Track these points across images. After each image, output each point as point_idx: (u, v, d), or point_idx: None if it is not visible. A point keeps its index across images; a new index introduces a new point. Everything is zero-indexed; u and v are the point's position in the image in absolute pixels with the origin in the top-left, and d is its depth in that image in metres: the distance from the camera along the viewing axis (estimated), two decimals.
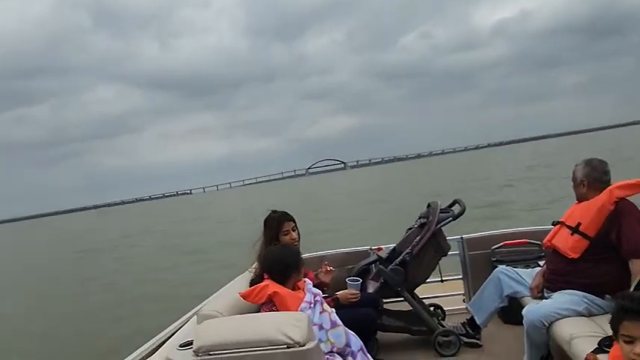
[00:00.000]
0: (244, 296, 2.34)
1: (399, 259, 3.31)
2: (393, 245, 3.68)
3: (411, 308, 3.35)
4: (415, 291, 3.54)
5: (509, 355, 3.06)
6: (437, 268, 3.47)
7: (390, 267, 3.32)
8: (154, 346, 2.24)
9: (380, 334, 3.47)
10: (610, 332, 2.29)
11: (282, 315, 2.02)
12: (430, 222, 3.30)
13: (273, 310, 2.28)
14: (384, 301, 3.80)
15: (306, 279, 2.52)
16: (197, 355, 1.92)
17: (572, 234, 2.68)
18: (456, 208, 3.39)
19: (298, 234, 2.99)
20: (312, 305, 2.36)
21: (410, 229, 3.54)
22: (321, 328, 2.36)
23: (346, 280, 3.05)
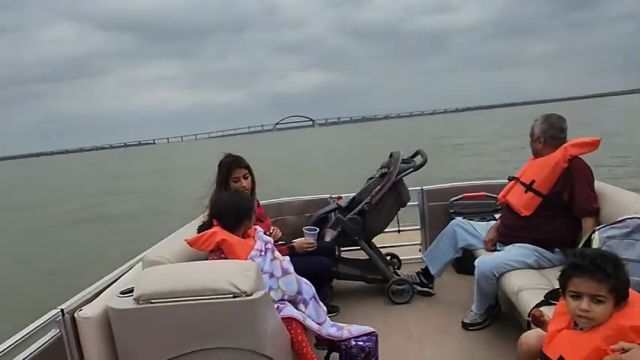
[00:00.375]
0: (191, 243, 2.23)
1: (357, 209, 3.26)
2: (353, 194, 3.63)
3: (368, 257, 3.35)
4: (373, 240, 3.54)
5: (459, 304, 3.14)
6: (395, 218, 3.46)
7: (349, 216, 3.27)
8: (94, 293, 2.12)
9: (335, 282, 3.48)
10: (557, 285, 2.37)
11: (230, 263, 1.93)
12: (391, 172, 3.23)
13: (222, 258, 2.19)
14: (342, 249, 3.81)
15: (257, 227, 2.43)
16: (138, 303, 1.82)
17: (525, 191, 2.68)
18: (418, 159, 3.34)
19: (252, 181, 2.87)
20: (262, 253, 2.29)
21: (371, 178, 3.49)
22: (271, 276, 2.30)
23: (303, 229, 2.99)
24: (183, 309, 1.79)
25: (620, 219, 1.94)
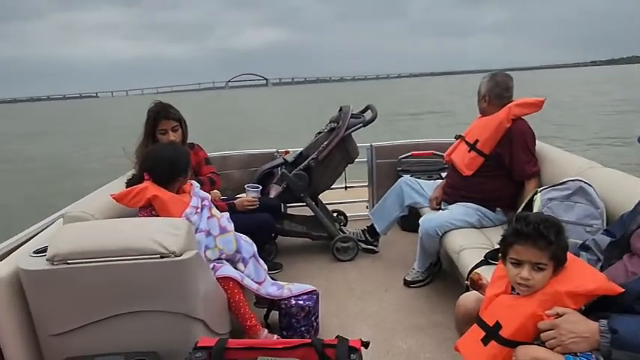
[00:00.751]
0: (117, 199, 2.03)
1: (303, 164, 3.14)
2: (300, 149, 3.49)
3: (313, 214, 3.27)
4: (319, 197, 3.46)
5: (402, 261, 3.15)
6: (343, 174, 3.37)
7: (294, 172, 3.15)
8: (4, 252, 1.90)
9: (280, 238, 3.40)
10: (497, 245, 2.39)
11: (158, 221, 1.77)
12: (339, 127, 3.11)
13: (153, 216, 2.02)
14: (288, 205, 3.71)
15: (192, 181, 2.25)
16: (52, 264, 1.64)
17: (469, 150, 2.65)
18: (368, 114, 3.23)
19: (183, 136, 2.63)
20: (198, 210, 2.13)
21: (319, 133, 3.35)
22: (208, 234, 2.16)
23: (245, 186, 2.84)
24: (103, 270, 1.63)
25: (561, 181, 1.93)
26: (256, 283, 2.31)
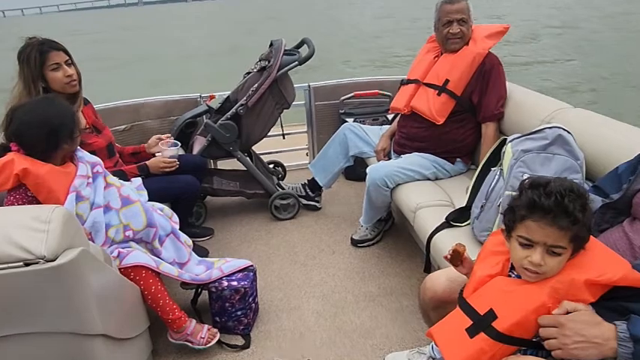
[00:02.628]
0: None
1: (230, 112, 2.65)
2: (227, 93, 2.98)
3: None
4: (254, 147, 3.01)
5: (348, 216, 2.85)
6: (279, 121, 2.92)
7: (220, 121, 2.66)
8: None
9: (210, 198, 2.97)
10: (457, 200, 2.12)
11: (17, 213, 1.27)
12: (271, 66, 2.62)
13: (29, 200, 1.51)
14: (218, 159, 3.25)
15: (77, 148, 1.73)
16: None
17: (438, 94, 2.26)
18: (304, 50, 2.74)
19: (78, 75, 2.06)
20: (89, 180, 1.64)
21: (248, 73, 2.83)
22: (108, 208, 1.69)
23: (159, 143, 2.33)
24: None
25: (538, 128, 1.63)
26: (178, 264, 1.91)
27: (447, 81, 2.22)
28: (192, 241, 2.54)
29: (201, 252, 2.49)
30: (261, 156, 3.28)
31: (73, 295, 1.24)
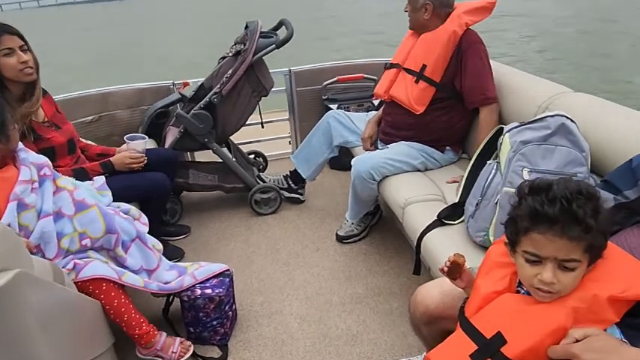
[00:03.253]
0: None
1: (204, 101, 2.45)
2: (201, 79, 2.77)
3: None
4: (232, 137, 2.82)
5: (333, 208, 2.70)
6: (257, 109, 2.73)
7: (193, 111, 2.46)
8: None
9: (187, 192, 2.78)
10: (448, 195, 1.97)
11: None
12: (246, 51, 2.42)
13: None
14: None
15: (20, 144, 1.52)
16: None
17: (416, 80, 2.08)
18: (282, 33, 2.54)
19: (35, 62, 1.84)
20: (35, 185, 1.45)
21: (223, 58, 2.63)
22: (59, 216, 1.51)
23: (125, 137, 2.13)
24: None
25: (538, 116, 1.47)
26: (146, 271, 1.74)
27: (424, 66, 2.05)
28: (167, 241, 2.40)
29: (177, 253, 2.33)
30: (241, 146, 3.10)
31: (9, 325, 1.06)
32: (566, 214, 0.80)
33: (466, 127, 2.14)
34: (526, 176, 1.39)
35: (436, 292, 1.19)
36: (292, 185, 2.72)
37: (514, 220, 0.88)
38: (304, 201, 2.78)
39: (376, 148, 2.32)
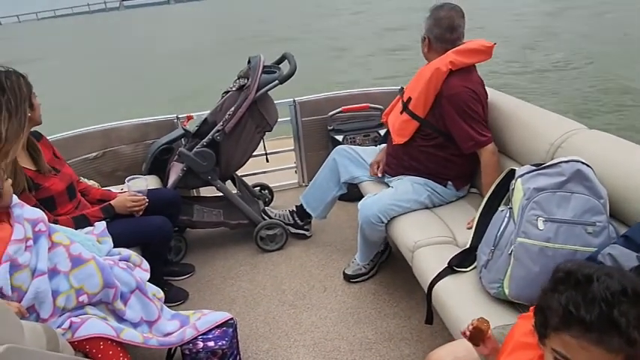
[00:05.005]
0: None
1: (207, 139, 2.42)
2: (205, 113, 2.75)
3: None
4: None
5: (340, 243, 2.63)
6: (262, 143, 2.68)
7: (196, 149, 2.42)
8: None
9: (190, 230, 2.74)
10: (459, 237, 1.88)
11: None
12: (249, 87, 2.38)
13: None
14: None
15: (14, 199, 1.48)
16: None
17: (401, 112, 2.06)
18: (285, 66, 2.51)
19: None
20: (29, 243, 1.40)
21: (227, 92, 2.60)
22: (55, 273, 1.46)
23: (125, 180, 2.09)
24: None
25: (551, 162, 1.40)
26: (147, 322, 1.68)
27: (409, 99, 2.01)
28: (171, 281, 2.35)
29: (181, 295, 2.27)
30: (246, 178, 3.06)
31: None
32: (605, 321, 0.70)
33: (468, 163, 2.06)
34: (541, 226, 1.32)
35: (450, 359, 1.11)
36: (298, 221, 2.66)
37: (542, 310, 0.79)
38: (311, 236, 2.71)
39: (384, 175, 2.25)
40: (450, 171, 2.08)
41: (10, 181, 1.46)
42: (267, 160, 2.81)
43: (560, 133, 1.69)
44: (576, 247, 1.29)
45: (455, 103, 1.89)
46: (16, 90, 1.69)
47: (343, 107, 3.06)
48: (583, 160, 1.36)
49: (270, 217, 2.66)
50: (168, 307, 1.84)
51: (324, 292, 2.26)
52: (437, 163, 2.06)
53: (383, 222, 2.01)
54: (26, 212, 1.45)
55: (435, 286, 1.56)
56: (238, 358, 1.81)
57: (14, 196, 1.48)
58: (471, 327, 1.00)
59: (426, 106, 1.97)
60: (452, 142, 1.99)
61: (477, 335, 1.00)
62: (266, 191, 3.12)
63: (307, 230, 2.69)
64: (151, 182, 2.50)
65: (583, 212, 1.31)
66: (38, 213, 1.49)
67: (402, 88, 2.25)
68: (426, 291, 1.62)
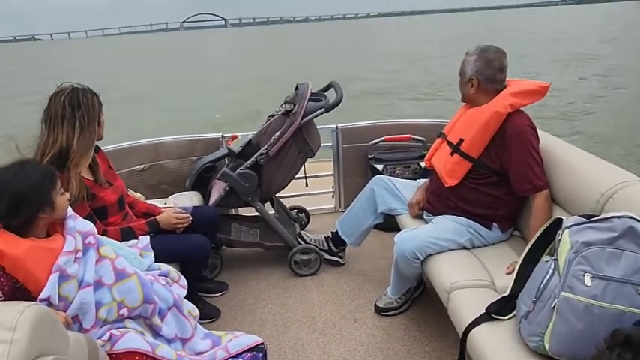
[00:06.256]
0: None
1: (250, 161, 2.48)
2: (250, 134, 2.82)
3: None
4: None
5: (373, 274, 2.61)
6: (303, 167, 2.73)
7: (239, 171, 2.49)
8: None
9: (226, 248, 2.79)
10: (497, 281, 1.83)
11: None
12: (295, 114, 2.44)
13: (10, 281, 1.34)
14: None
15: (69, 211, 1.55)
16: None
17: (451, 153, 2.05)
18: (331, 95, 2.56)
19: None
20: (79, 255, 1.47)
21: (272, 116, 2.67)
22: (99, 285, 1.52)
23: (171, 197, 2.17)
24: None
25: (602, 217, 1.36)
26: (180, 339, 1.71)
27: (461, 140, 2.01)
28: (205, 297, 2.39)
29: (213, 312, 2.31)
30: (283, 199, 3.10)
31: None
32: None
33: (515, 204, 2.02)
34: (588, 282, 1.27)
35: None
36: (333, 248, 2.66)
37: None
38: (344, 264, 2.71)
39: (422, 218, 2.24)
40: (498, 211, 2.04)
41: (67, 195, 1.54)
42: (307, 185, 2.85)
43: (613, 183, 1.64)
44: (624, 308, 1.23)
45: (522, 143, 1.88)
46: (90, 107, 1.81)
47: (385, 137, 3.07)
48: (637, 217, 1.31)
49: (306, 242, 2.68)
50: (200, 323, 1.88)
51: (354, 323, 2.24)
52: (486, 204, 2.03)
53: (419, 258, 1.99)
54: (78, 225, 1.52)
55: (471, 332, 1.52)
56: None
57: (69, 209, 1.56)
58: None
59: (481, 148, 1.96)
60: (505, 181, 1.97)
61: None
62: (302, 214, 3.15)
63: (341, 257, 2.69)
64: (194, 199, 2.57)
65: (634, 271, 1.25)
66: (89, 226, 1.56)
67: (442, 133, 2.24)
68: (460, 335, 1.58)
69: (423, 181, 2.40)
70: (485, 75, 1.99)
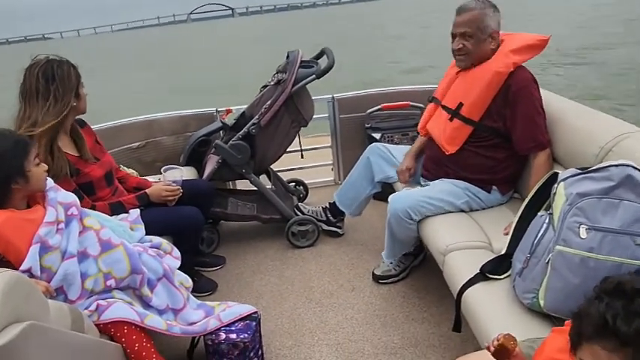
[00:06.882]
0: None
1: (242, 132, 2.43)
2: (244, 107, 2.76)
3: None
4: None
5: (372, 243, 2.57)
6: (297, 138, 2.67)
7: (231, 142, 2.44)
8: None
9: (223, 222, 2.76)
10: (495, 238, 1.79)
11: None
12: (285, 80, 2.37)
13: None
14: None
15: (49, 182, 1.52)
16: None
17: (450, 119, 1.96)
18: (323, 61, 2.48)
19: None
20: (60, 226, 1.44)
21: (265, 86, 2.60)
22: (84, 256, 1.49)
23: (162, 169, 2.13)
24: None
25: (599, 166, 1.29)
26: (172, 310, 1.69)
27: (460, 104, 1.91)
28: (202, 272, 2.37)
29: (210, 285, 2.29)
30: (282, 173, 3.06)
31: None
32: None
33: (515, 166, 1.95)
34: (584, 234, 1.21)
35: None
36: (331, 218, 2.62)
37: (581, 317, 0.72)
38: (343, 234, 2.67)
39: (418, 183, 2.18)
40: (498, 174, 1.97)
41: (45, 166, 1.51)
42: (302, 157, 2.80)
43: (612, 135, 1.56)
44: (622, 260, 1.17)
45: (527, 97, 1.81)
46: (65, 79, 1.76)
47: (383, 104, 2.99)
48: (635, 165, 1.24)
49: (303, 213, 2.64)
50: (197, 297, 1.86)
51: (352, 292, 2.21)
52: (486, 168, 1.96)
53: (413, 219, 1.93)
54: (60, 196, 1.49)
55: (465, 293, 1.48)
56: (260, 352, 1.79)
57: (50, 180, 1.53)
58: (496, 342, 0.94)
59: (482, 110, 1.88)
60: (506, 141, 1.90)
61: (503, 352, 0.93)
62: (301, 187, 3.11)
63: (340, 228, 2.65)
64: (187, 173, 2.53)
65: (633, 222, 1.19)
66: (71, 197, 1.53)
67: (434, 97, 2.15)
68: (455, 297, 1.54)
69: (411, 147, 2.31)
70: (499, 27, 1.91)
